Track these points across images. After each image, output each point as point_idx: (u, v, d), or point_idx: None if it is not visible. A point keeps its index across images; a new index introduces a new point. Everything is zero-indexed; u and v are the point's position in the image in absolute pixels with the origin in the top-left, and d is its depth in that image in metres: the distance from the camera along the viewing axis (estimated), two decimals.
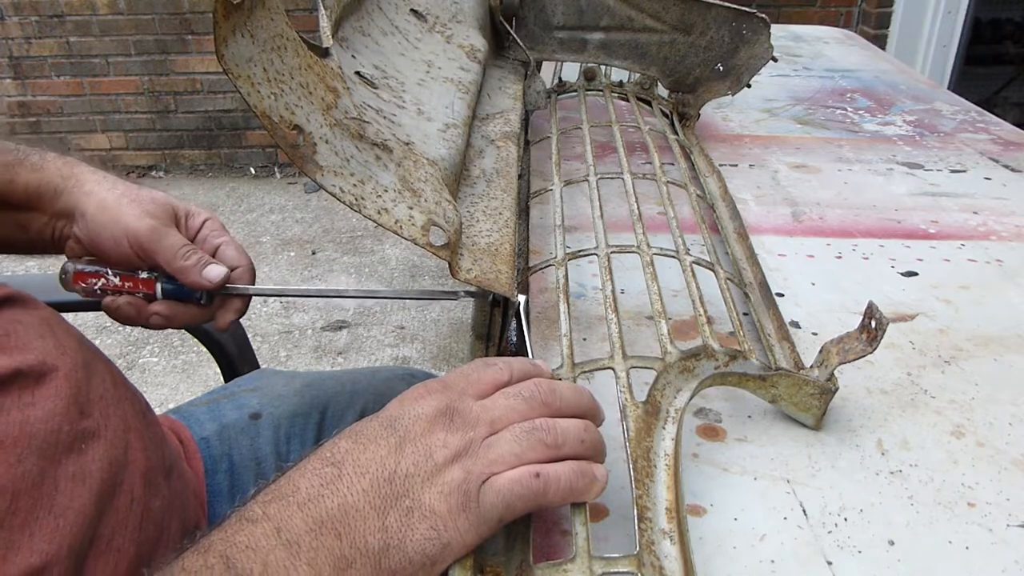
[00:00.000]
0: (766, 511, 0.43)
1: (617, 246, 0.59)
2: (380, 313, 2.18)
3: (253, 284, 0.59)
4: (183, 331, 0.72)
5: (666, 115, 0.96)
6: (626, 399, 0.43)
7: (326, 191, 0.44)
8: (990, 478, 0.46)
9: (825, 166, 0.91)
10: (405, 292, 0.68)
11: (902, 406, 0.52)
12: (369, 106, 0.53)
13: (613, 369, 0.46)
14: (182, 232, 0.57)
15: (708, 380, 0.46)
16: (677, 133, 0.90)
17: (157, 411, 0.58)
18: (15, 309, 0.47)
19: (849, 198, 0.83)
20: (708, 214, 0.73)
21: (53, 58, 3.02)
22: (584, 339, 0.59)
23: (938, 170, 0.90)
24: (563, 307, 0.53)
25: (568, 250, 0.60)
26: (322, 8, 0.53)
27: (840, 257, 0.71)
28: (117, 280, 0.56)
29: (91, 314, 0.82)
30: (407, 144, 0.53)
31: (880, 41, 2.67)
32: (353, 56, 0.57)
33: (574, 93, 0.99)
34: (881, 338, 0.45)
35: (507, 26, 0.95)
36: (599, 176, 0.70)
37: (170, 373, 1.97)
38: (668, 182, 0.71)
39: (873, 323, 0.46)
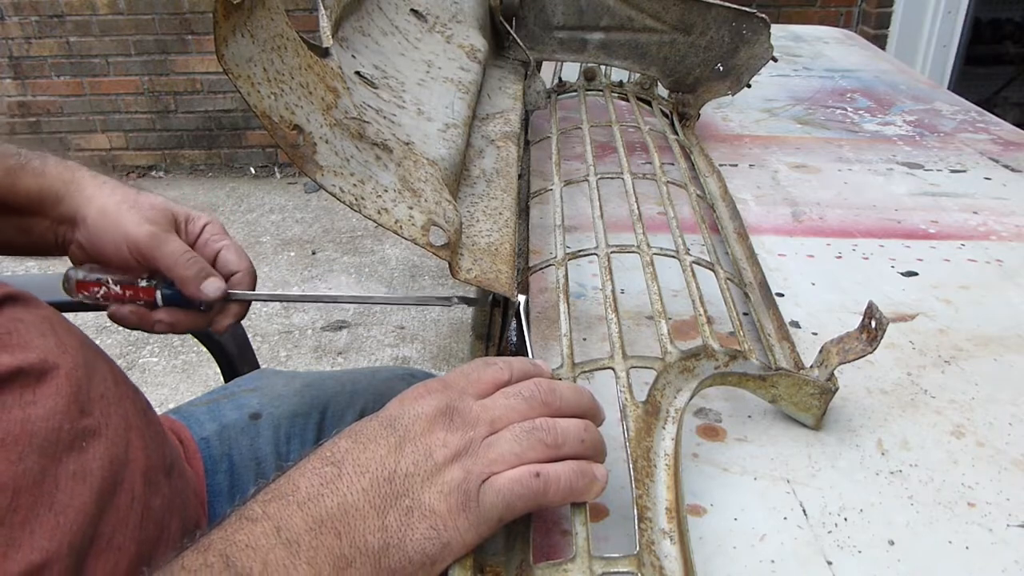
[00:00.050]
0: (766, 511, 0.43)
1: (617, 246, 0.59)
2: (380, 313, 2.18)
3: (254, 287, 0.60)
4: None
5: (666, 115, 0.96)
6: (626, 399, 0.43)
7: (326, 191, 0.44)
8: (990, 478, 0.46)
9: (825, 166, 0.91)
10: (400, 298, 0.68)
11: (902, 406, 0.52)
12: (369, 106, 0.53)
13: (613, 369, 0.46)
14: (182, 237, 0.57)
15: (708, 380, 0.46)
16: (677, 133, 0.90)
17: (157, 411, 0.58)
18: (16, 308, 0.47)
19: (849, 198, 0.83)
20: (708, 214, 0.73)
21: (53, 58, 3.02)
22: (584, 339, 0.59)
23: (938, 170, 0.90)
24: (563, 307, 0.53)
25: (568, 250, 0.60)
26: (322, 8, 0.53)
27: (840, 257, 0.71)
28: (118, 289, 0.57)
29: (92, 314, 0.82)
30: (407, 144, 0.53)
31: (880, 41, 2.67)
32: (353, 56, 0.57)
33: (574, 93, 0.99)
34: (881, 338, 0.45)
35: (507, 26, 0.95)
36: (599, 176, 0.70)
37: (170, 373, 1.98)
38: (668, 182, 0.71)
39: (873, 323, 0.46)
